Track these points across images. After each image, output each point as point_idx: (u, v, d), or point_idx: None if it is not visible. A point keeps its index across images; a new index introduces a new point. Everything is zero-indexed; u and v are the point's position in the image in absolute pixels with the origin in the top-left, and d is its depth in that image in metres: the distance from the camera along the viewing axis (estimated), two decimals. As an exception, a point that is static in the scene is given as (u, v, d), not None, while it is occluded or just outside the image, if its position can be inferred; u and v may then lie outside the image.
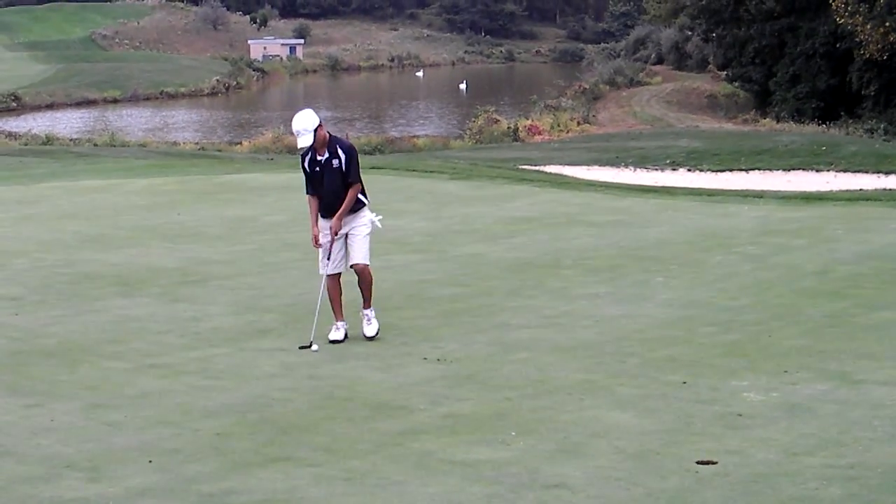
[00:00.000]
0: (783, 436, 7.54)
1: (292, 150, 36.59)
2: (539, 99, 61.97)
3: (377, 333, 10.43)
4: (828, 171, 28.32)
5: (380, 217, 10.62)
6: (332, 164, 10.31)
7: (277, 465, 7.16)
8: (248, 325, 11.07)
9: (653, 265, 13.72)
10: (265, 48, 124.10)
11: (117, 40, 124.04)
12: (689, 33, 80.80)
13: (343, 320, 10.46)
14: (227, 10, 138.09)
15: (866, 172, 27.76)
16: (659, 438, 7.53)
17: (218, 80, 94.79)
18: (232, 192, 21.13)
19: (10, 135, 48.87)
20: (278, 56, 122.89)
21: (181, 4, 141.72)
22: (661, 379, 8.95)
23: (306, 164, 10.48)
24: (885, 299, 11.62)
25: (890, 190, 22.82)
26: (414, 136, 49.00)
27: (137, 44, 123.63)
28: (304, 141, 10.22)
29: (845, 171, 28.17)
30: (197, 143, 47.48)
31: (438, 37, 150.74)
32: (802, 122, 48.21)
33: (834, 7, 49.00)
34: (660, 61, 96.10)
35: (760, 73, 58.24)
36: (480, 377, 9.14)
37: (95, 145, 42.01)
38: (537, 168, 29.11)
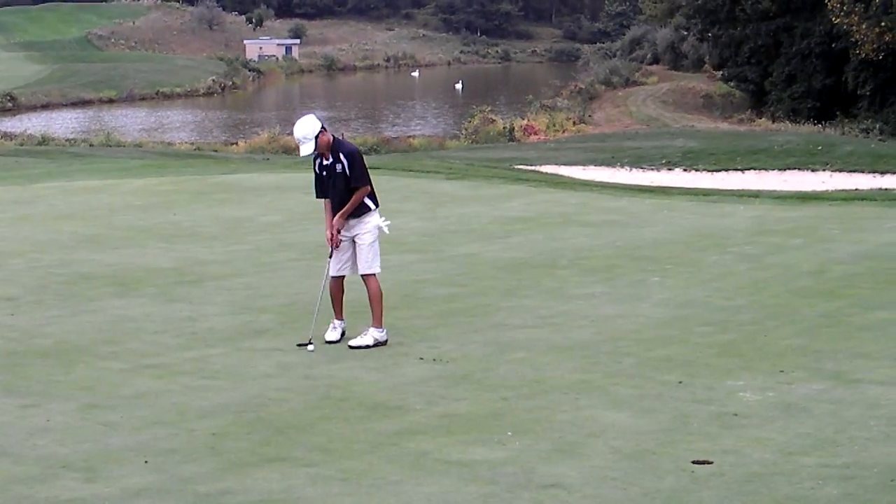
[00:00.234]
0: (779, 435, 7.54)
1: (288, 150, 36.63)
2: (535, 99, 61.95)
3: (363, 346, 10.08)
4: (823, 170, 28.36)
5: (388, 223, 10.50)
6: (336, 169, 10.20)
7: (273, 465, 7.15)
8: (244, 325, 11.07)
9: (649, 265, 13.73)
10: (261, 48, 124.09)
11: (113, 40, 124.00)
12: (685, 33, 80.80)
13: (341, 319, 10.41)
14: (223, 10, 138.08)
15: (862, 172, 27.81)
16: (655, 438, 7.54)
17: (214, 81, 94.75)
18: (228, 193, 21.11)
19: (5, 135, 48.81)
20: (274, 56, 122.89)
21: (177, 4, 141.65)
22: (657, 379, 8.95)
23: (316, 167, 10.40)
24: (881, 299, 11.64)
25: (886, 190, 22.85)
26: (410, 136, 49.02)
27: (133, 44, 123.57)
28: (306, 149, 10.12)
29: (841, 170, 28.22)
30: (193, 144, 47.46)
31: (434, 37, 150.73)
32: (798, 122, 48.27)
33: (829, 7, 49.05)
34: (656, 61, 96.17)
35: (756, 73, 58.31)
36: (476, 377, 9.14)
37: (91, 145, 42.00)
38: (533, 168, 29.12)
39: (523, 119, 52.74)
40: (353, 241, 10.34)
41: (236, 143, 46.49)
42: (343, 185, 10.21)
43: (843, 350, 9.71)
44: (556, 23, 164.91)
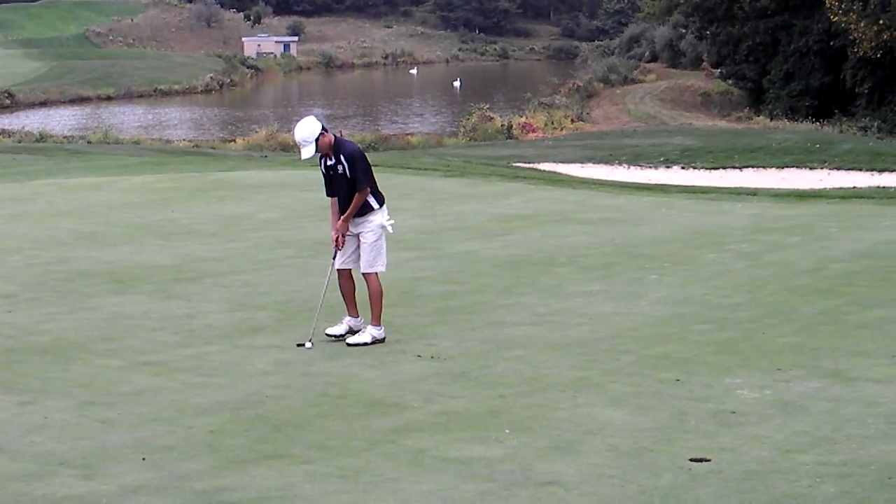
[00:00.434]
0: (776, 433, 7.55)
1: (286, 147, 36.58)
2: (533, 96, 61.95)
3: (361, 344, 10.09)
4: (821, 168, 28.38)
5: (391, 222, 10.46)
6: (338, 171, 10.18)
7: (271, 462, 7.15)
8: (241, 322, 11.06)
9: (647, 263, 13.74)
10: (259, 45, 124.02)
11: (111, 37, 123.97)
12: (683, 31, 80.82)
13: (354, 316, 10.33)
14: (221, 7, 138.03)
15: (860, 170, 27.84)
16: (652, 436, 7.54)
17: (212, 78, 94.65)
18: (226, 190, 21.11)
19: (3, 132, 48.76)
20: (272, 53, 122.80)
21: (175, 1, 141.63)
22: (655, 376, 8.96)
23: (322, 167, 10.39)
24: (879, 297, 11.64)
25: (883, 188, 22.86)
26: (408, 134, 48.97)
27: (131, 41, 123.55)
28: (307, 153, 10.10)
29: (839, 168, 28.24)
30: (191, 141, 47.40)
31: (432, 34, 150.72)
32: (796, 120, 48.28)
33: (828, 5, 49.09)
34: (654, 59, 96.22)
35: (754, 71, 58.30)
36: (474, 374, 9.14)
37: (89, 143, 41.94)
38: (531, 166, 29.14)
39: (521, 117, 52.72)
40: (358, 238, 10.34)
41: (234, 141, 46.44)
42: (345, 186, 10.20)
43: (840, 348, 9.71)
44: (555, 20, 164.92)
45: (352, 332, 10.30)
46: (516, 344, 10.08)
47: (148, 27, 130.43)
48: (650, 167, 29.62)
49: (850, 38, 48.61)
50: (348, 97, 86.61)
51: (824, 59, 54.02)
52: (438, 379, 9.02)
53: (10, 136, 45.90)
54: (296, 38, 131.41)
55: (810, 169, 28.45)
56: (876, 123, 45.46)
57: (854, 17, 47.36)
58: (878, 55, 48.02)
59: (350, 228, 10.29)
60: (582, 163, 30.40)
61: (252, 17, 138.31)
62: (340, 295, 10.41)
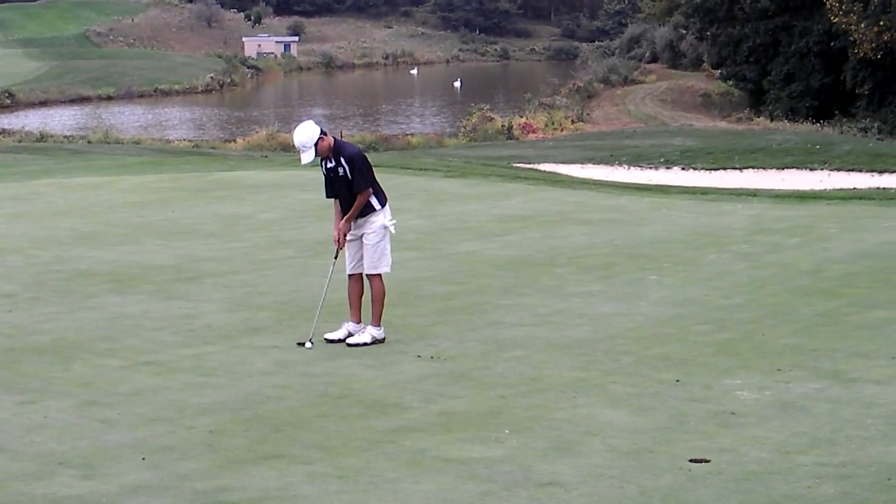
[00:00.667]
0: (776, 434, 7.55)
1: (287, 147, 36.58)
2: (533, 97, 61.94)
3: (361, 344, 10.08)
4: (821, 169, 28.38)
5: (394, 222, 10.43)
6: (339, 173, 10.17)
7: (271, 462, 7.16)
8: (241, 322, 11.07)
9: (646, 263, 13.74)
10: (259, 45, 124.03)
11: (111, 37, 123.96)
12: (684, 32, 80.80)
13: (355, 322, 10.28)
14: (222, 7, 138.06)
15: (860, 171, 27.84)
16: (652, 436, 7.54)
17: (212, 78, 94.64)
18: (226, 190, 21.12)
19: (3, 131, 48.77)
20: (273, 53, 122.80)
21: (175, 1, 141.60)
22: (655, 377, 8.96)
23: (323, 169, 10.38)
24: (879, 298, 11.65)
25: (883, 189, 22.87)
26: (408, 134, 48.97)
27: (132, 41, 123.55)
28: (306, 157, 10.11)
29: (839, 169, 28.24)
30: (191, 141, 47.39)
31: (433, 34, 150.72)
32: (796, 121, 48.27)
33: (828, 6, 49.08)
34: (654, 59, 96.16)
35: (754, 72, 58.28)
36: (474, 375, 9.14)
37: (89, 142, 41.94)
38: (531, 166, 29.13)
39: (522, 117, 52.71)
40: (362, 240, 10.34)
41: (234, 141, 46.44)
42: (346, 188, 10.20)
43: (840, 349, 9.71)
44: (555, 21, 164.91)
45: (351, 335, 10.29)
46: (516, 344, 10.08)
47: (148, 27, 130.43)
48: (650, 168, 29.62)
49: (851, 39, 48.60)
50: (348, 97, 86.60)
51: (825, 61, 54.01)
52: (438, 379, 9.03)
53: (10, 136, 45.90)
54: (296, 39, 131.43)
55: (810, 170, 28.45)
56: (876, 124, 45.46)
57: (854, 18, 47.36)
58: (879, 56, 48.02)
59: (353, 230, 10.29)
60: (582, 163, 30.40)
61: (252, 18, 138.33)
62: (348, 297, 10.39)
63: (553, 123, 50.96)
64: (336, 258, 10.41)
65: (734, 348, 9.84)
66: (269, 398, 8.56)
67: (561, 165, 29.71)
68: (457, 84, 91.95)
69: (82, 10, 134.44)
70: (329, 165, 10.26)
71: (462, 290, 12.46)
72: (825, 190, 22.89)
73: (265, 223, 17.35)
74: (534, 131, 47.83)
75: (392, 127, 59.14)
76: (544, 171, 27.54)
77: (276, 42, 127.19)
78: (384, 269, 10.33)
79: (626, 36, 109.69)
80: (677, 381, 8.84)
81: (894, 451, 7.19)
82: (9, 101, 74.39)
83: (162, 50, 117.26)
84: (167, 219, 17.71)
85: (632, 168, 29.75)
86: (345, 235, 10.27)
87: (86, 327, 10.85)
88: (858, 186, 23.98)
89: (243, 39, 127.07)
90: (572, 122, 53.05)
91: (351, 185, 10.17)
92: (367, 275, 10.33)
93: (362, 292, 10.38)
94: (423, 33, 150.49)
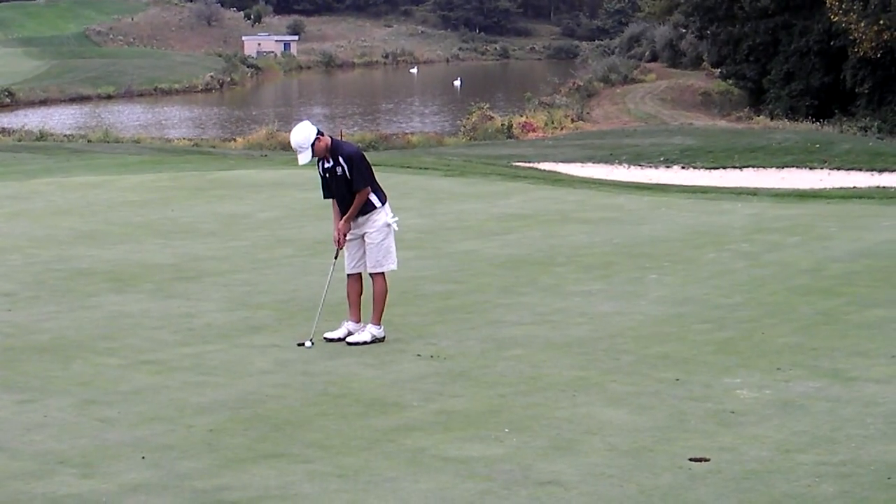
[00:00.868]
0: (776, 433, 7.55)
1: (286, 146, 36.58)
2: (533, 96, 61.95)
3: (360, 342, 10.07)
4: (821, 168, 28.39)
5: (396, 219, 10.44)
6: (337, 172, 10.16)
7: (270, 461, 7.15)
8: (241, 321, 11.07)
9: (646, 262, 13.74)
10: (259, 44, 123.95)
11: (111, 36, 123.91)
12: (684, 31, 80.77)
13: (355, 321, 10.29)
14: (221, 6, 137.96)
15: (860, 170, 27.84)
16: (652, 435, 7.54)
17: (212, 77, 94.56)
18: (225, 189, 21.12)
19: (3, 130, 48.71)
20: (272, 52, 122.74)
21: (175, 0, 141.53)
22: (654, 376, 8.96)
23: (320, 169, 10.37)
24: (878, 297, 11.65)
25: (883, 188, 22.87)
26: (408, 133, 48.94)
27: (131, 40, 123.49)
28: (303, 158, 10.11)
29: (839, 168, 28.25)
30: (190, 140, 47.35)
31: (433, 33, 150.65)
32: (796, 120, 48.27)
33: (828, 5, 49.07)
34: (654, 58, 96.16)
35: (754, 71, 58.29)
36: (473, 374, 9.14)
37: (89, 141, 41.90)
38: (531, 165, 29.14)
39: (521, 116, 52.69)
40: (363, 239, 10.32)
41: (234, 140, 46.41)
42: (345, 187, 10.19)
43: (840, 348, 9.71)
44: (555, 20, 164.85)
45: (351, 334, 10.29)
46: (516, 343, 10.08)
47: (148, 26, 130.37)
48: (650, 167, 29.62)
49: (851, 38, 48.59)
50: (348, 96, 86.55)
51: (824, 59, 54.01)
52: (438, 378, 9.03)
53: (10, 135, 45.85)
54: (296, 37, 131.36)
55: (810, 169, 28.46)
56: (876, 123, 45.46)
57: (854, 17, 47.35)
58: (879, 55, 48.01)
59: (354, 230, 10.28)
60: (582, 162, 30.41)
61: (252, 16, 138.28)
62: (347, 297, 10.40)
63: (553, 122, 50.96)
64: (336, 258, 10.41)
65: (734, 347, 9.84)
66: (268, 397, 8.55)
67: (561, 164, 29.71)
68: (457, 83, 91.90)
69: (82, 9, 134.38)
70: (327, 165, 10.25)
71: (461, 288, 12.46)
72: (825, 189, 22.91)
73: (265, 222, 17.35)
74: (533, 130, 47.82)
75: (392, 126, 59.10)
76: (544, 170, 27.55)
77: (276, 41, 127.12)
78: (390, 266, 10.32)
79: (625, 35, 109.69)
80: (677, 379, 8.84)
81: (894, 450, 7.19)
82: (9, 100, 74.35)
83: (162, 49, 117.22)
84: (167, 218, 17.72)
85: (631, 167, 29.76)
86: (345, 235, 10.27)
87: (85, 326, 10.85)
88: (858, 185, 24.00)
89: (243, 38, 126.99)
90: (572, 121, 53.04)
91: (350, 184, 10.15)
92: (369, 273, 10.32)
93: (361, 292, 10.38)
94: (422, 32, 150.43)
